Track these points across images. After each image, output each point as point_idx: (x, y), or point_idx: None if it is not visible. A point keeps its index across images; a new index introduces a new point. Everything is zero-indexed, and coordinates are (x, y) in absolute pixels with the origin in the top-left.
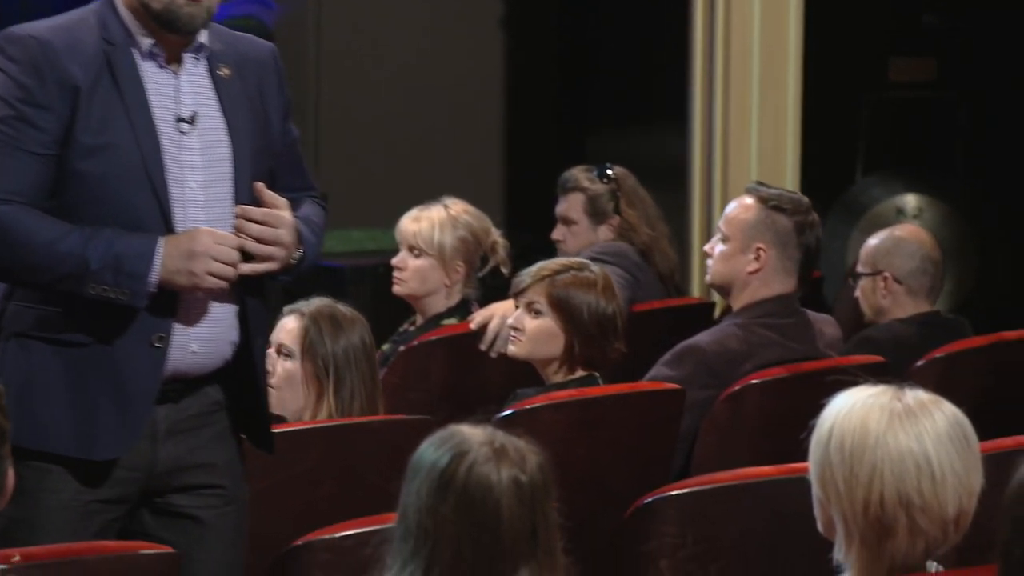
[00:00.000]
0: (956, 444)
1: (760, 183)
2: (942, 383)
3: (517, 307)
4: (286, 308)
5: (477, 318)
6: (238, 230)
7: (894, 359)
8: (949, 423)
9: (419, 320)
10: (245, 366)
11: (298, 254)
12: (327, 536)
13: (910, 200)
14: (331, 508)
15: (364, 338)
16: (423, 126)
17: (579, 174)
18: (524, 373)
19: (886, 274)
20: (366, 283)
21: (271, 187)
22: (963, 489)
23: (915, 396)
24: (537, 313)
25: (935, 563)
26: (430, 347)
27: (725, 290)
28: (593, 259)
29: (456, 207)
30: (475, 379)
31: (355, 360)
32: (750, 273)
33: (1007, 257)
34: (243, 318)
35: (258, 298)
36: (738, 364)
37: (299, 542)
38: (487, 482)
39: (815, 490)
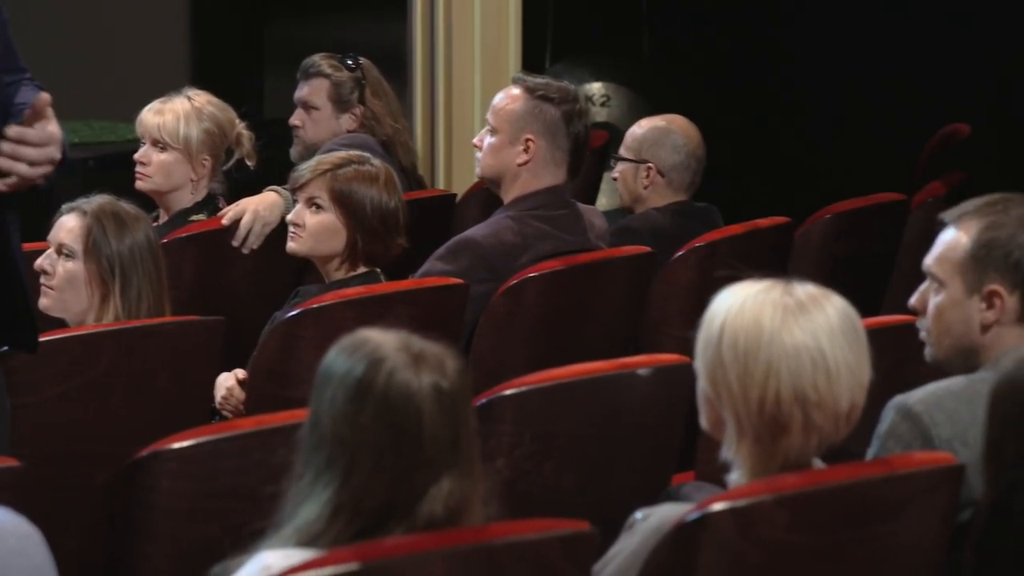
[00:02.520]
0: (848, 337)
1: (526, 73)
2: (702, 271)
3: (296, 202)
4: (65, 206)
5: (229, 213)
6: (14, 157)
7: (653, 248)
8: (840, 316)
9: (162, 216)
10: (4, 266)
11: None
12: (176, 445)
13: (596, 88)
14: (126, 414)
15: (149, 236)
16: (104, 18)
17: (321, 60)
18: (278, 269)
19: (650, 165)
20: (77, 177)
21: None
22: (855, 382)
23: (805, 290)
24: (318, 208)
25: (818, 459)
26: (181, 244)
27: (496, 183)
28: (332, 151)
29: (200, 98)
30: (227, 276)
31: (141, 259)
32: (520, 165)
33: None
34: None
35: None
36: (514, 257)
37: (145, 452)
38: (407, 389)
39: (704, 389)
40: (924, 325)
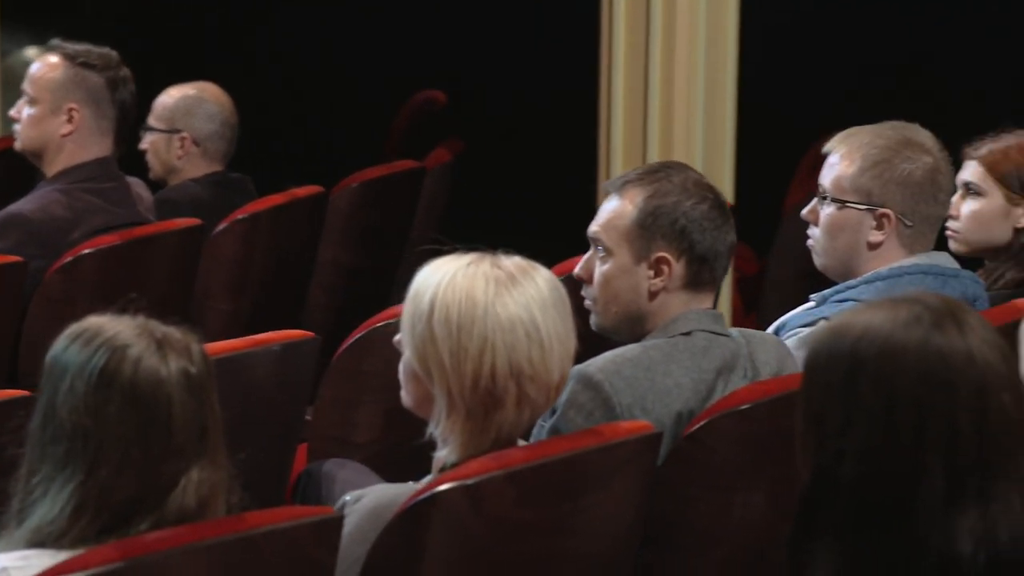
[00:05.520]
0: (558, 309)
1: (63, 40)
2: (246, 243)
3: None
4: None
5: None
6: None
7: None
8: (549, 288)
9: None
10: None
11: None
12: None
13: (32, 52)
14: None
15: None
16: None
17: None
18: None
19: (184, 134)
20: None
21: None
22: (565, 354)
23: (513, 262)
24: None
25: (520, 439)
26: None
27: (38, 155)
28: None
29: None
30: None
31: None
32: (64, 136)
33: None
34: None
35: None
36: (66, 232)
37: None
38: (156, 376)
39: (410, 364)
40: (590, 294)
